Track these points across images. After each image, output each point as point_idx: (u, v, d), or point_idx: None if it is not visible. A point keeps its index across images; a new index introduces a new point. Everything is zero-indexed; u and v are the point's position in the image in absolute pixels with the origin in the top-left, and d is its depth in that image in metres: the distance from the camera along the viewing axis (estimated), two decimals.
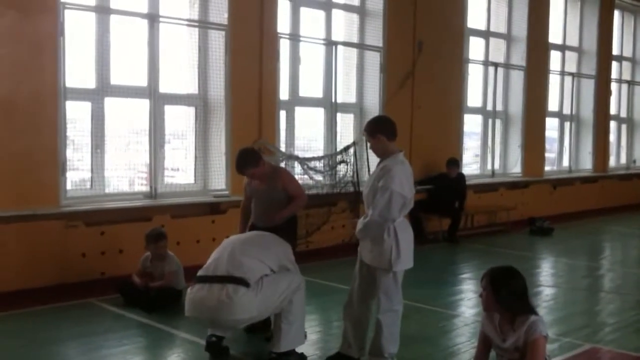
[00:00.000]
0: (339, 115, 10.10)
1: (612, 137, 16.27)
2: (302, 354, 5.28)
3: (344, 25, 10.34)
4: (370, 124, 5.10)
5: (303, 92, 9.71)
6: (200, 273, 5.08)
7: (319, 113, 10.00)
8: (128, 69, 7.95)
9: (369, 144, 5.06)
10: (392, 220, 4.79)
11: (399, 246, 4.85)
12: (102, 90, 7.64)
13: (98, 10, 7.59)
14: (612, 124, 16.09)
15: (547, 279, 8.81)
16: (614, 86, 15.90)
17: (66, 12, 7.22)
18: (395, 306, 5.00)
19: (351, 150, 9.82)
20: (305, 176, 9.37)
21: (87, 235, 7.33)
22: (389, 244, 4.84)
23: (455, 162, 11.11)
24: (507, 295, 3.86)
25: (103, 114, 7.68)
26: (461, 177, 11.28)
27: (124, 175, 8.17)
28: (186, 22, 8.46)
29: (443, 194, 10.82)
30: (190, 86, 8.56)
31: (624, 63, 16.48)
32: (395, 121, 5.13)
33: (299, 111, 9.71)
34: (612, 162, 16.16)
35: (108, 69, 7.68)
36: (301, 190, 6.06)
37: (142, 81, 8.00)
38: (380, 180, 4.80)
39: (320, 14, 9.91)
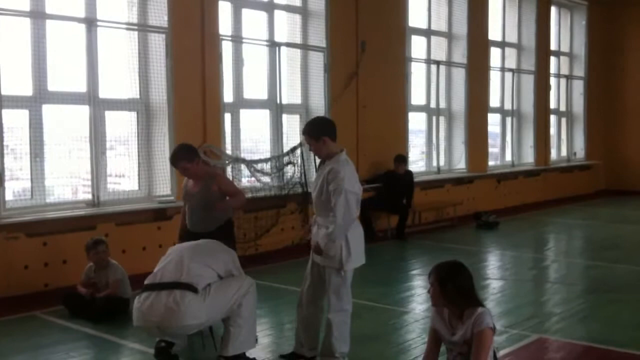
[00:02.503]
0: (284, 116, 10.07)
1: (553, 131, 16.66)
2: (253, 358, 5.23)
3: (287, 26, 10.30)
4: (314, 126, 5.02)
5: (247, 94, 9.65)
6: (147, 281, 5.01)
7: (265, 115, 9.94)
8: (66, 74, 7.77)
9: (311, 147, 5.00)
10: (353, 220, 4.85)
11: (349, 245, 4.88)
12: (40, 97, 7.44)
13: (33, 16, 7.39)
14: (552, 118, 16.49)
15: (494, 272, 8.95)
16: (553, 81, 16.28)
17: (0, 17, 7.01)
18: (345, 305, 5.02)
19: (298, 151, 9.81)
20: (253, 179, 9.32)
21: (29, 247, 7.13)
22: (338, 244, 4.85)
23: (402, 158, 11.20)
24: (454, 289, 3.90)
25: (41, 121, 7.47)
26: (409, 174, 11.36)
27: (67, 184, 8.00)
28: (125, 26, 8.30)
29: (391, 191, 10.89)
30: (131, 91, 8.40)
31: (562, 58, 16.89)
32: (336, 121, 5.15)
33: (244, 113, 9.65)
34: (553, 155, 16.55)
35: (45, 76, 7.48)
36: (239, 190, 6.04)
37: (81, 87, 7.82)
38: (330, 184, 4.81)
39: (263, 15, 9.86)
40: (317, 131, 4.95)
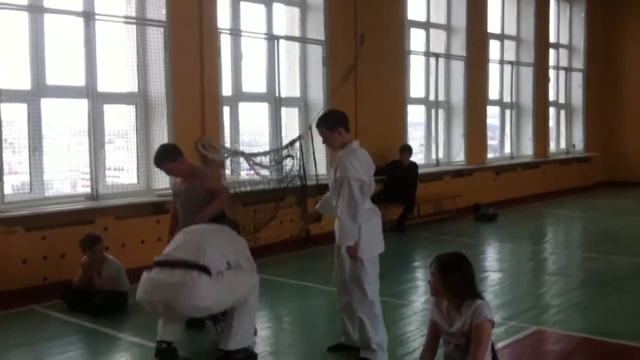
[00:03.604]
0: (283, 109, 10.06)
1: (552, 123, 16.64)
2: (252, 352, 5.24)
3: (286, 19, 10.29)
4: (330, 118, 5.10)
5: (246, 88, 9.64)
6: (159, 259, 4.94)
7: (263, 108, 9.93)
8: (64, 68, 7.74)
9: (325, 139, 5.05)
10: (358, 204, 4.84)
11: (361, 234, 4.87)
12: (38, 91, 7.42)
13: (31, 10, 7.36)
14: (551, 110, 16.47)
15: (492, 264, 8.97)
16: (551, 73, 16.26)
17: None
18: (370, 296, 4.98)
19: (297, 144, 9.81)
20: (252, 172, 9.32)
21: (28, 241, 7.13)
22: (353, 231, 4.86)
23: (408, 148, 11.25)
24: (455, 280, 3.91)
25: (40, 115, 7.45)
26: (413, 164, 11.41)
27: (66, 178, 7.99)
28: (123, 19, 8.28)
29: (397, 181, 10.89)
30: (130, 84, 8.39)
31: (561, 50, 16.86)
32: None
33: (243, 107, 9.63)
34: (552, 147, 16.56)
35: (43, 69, 7.46)
36: (221, 185, 6.01)
37: (80, 81, 7.81)
38: (337, 172, 4.89)
39: (261, 8, 9.84)
40: (332, 122, 5.03)
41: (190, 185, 5.82)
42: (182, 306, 4.75)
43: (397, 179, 10.90)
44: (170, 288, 4.68)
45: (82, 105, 7.83)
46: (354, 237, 4.84)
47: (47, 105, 7.57)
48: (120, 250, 7.31)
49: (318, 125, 5.10)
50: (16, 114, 7.44)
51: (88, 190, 7.87)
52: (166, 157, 5.81)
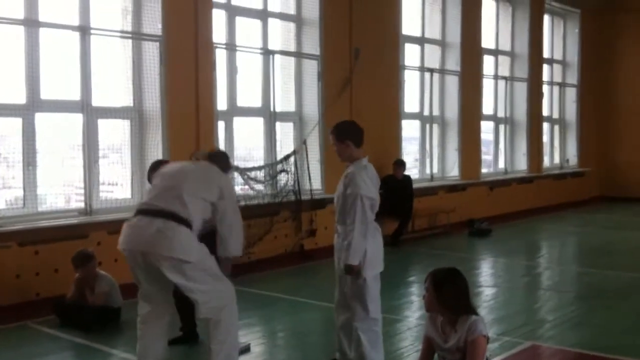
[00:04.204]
0: (278, 124, 10.08)
1: (546, 138, 16.71)
2: None
3: (281, 34, 10.33)
4: (340, 128, 5.11)
5: (241, 102, 9.65)
6: (140, 207, 4.80)
7: (258, 122, 9.95)
8: (60, 82, 7.75)
9: (335, 147, 5.06)
10: (369, 222, 4.86)
11: (365, 252, 4.85)
12: (33, 105, 7.42)
13: (26, 24, 7.38)
14: (545, 125, 16.53)
15: (487, 279, 8.97)
16: (545, 88, 16.33)
17: None
18: (372, 314, 4.94)
19: (292, 159, 9.81)
20: (246, 187, 9.31)
21: (21, 256, 7.10)
22: (360, 250, 4.83)
23: (402, 163, 11.32)
24: (449, 296, 3.90)
25: (34, 129, 7.45)
26: (407, 178, 11.44)
27: (60, 192, 7.96)
28: (119, 34, 8.30)
29: (392, 196, 10.89)
30: (125, 99, 8.39)
31: (555, 66, 16.96)
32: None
33: (238, 121, 9.64)
34: (546, 162, 16.59)
35: (38, 84, 7.46)
36: None
37: (75, 95, 7.81)
38: (347, 188, 4.87)
39: (257, 23, 9.88)
40: (342, 133, 5.04)
41: None
42: (160, 257, 4.51)
43: (392, 193, 10.90)
44: (149, 237, 4.51)
45: (76, 120, 7.83)
46: (359, 257, 4.82)
47: (42, 119, 7.57)
48: (113, 265, 7.27)
49: (330, 131, 5.14)
50: (10, 128, 7.44)
51: (82, 205, 7.85)
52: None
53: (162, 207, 4.60)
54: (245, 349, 5.76)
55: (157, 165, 5.88)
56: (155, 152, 8.34)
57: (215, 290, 4.73)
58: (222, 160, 5.28)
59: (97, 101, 7.97)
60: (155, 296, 4.82)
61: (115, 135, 8.45)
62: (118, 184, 8.54)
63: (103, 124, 8.14)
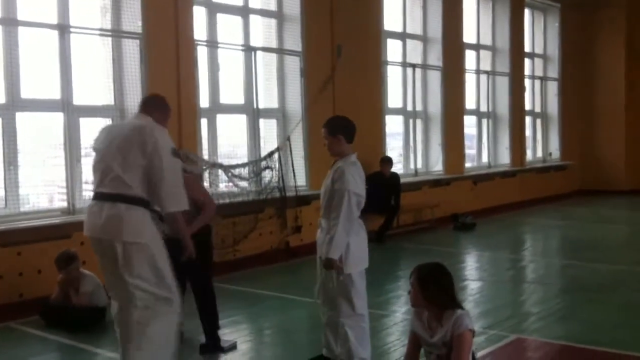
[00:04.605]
0: (261, 121, 10.04)
1: (528, 132, 16.79)
2: None
3: (262, 31, 10.28)
4: (333, 122, 5.15)
5: (224, 99, 9.60)
6: (95, 190, 4.56)
7: (241, 119, 9.91)
8: (39, 81, 7.67)
9: (326, 141, 5.05)
10: (354, 219, 4.86)
11: (349, 246, 4.85)
12: (13, 104, 7.33)
13: (4, 23, 7.29)
14: (528, 119, 16.62)
15: (472, 273, 9.00)
16: (527, 82, 16.42)
17: None
18: (359, 310, 4.93)
19: (275, 155, 9.78)
20: (230, 184, 9.27)
21: (3, 257, 7.01)
22: (342, 245, 4.82)
23: (388, 160, 11.34)
24: (434, 290, 3.92)
25: (15, 129, 7.36)
26: (395, 175, 11.47)
27: (43, 192, 7.88)
28: (99, 32, 8.23)
29: (378, 192, 10.90)
30: (106, 97, 8.32)
31: (536, 60, 17.04)
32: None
33: (221, 118, 9.60)
34: (529, 156, 16.68)
35: (18, 83, 7.38)
36: (208, 197, 5.90)
37: (55, 94, 7.73)
38: (335, 183, 4.86)
39: (238, 20, 9.83)
40: (335, 127, 5.07)
41: None
42: (114, 246, 4.27)
43: (379, 190, 10.90)
44: (101, 222, 4.33)
45: (57, 119, 7.76)
46: (340, 252, 4.80)
47: (22, 118, 7.48)
48: (97, 264, 7.20)
49: (323, 125, 5.14)
50: None
51: (65, 204, 7.78)
52: None
53: (107, 191, 4.38)
54: (232, 347, 5.74)
55: None
56: None
57: (155, 289, 4.36)
58: (157, 108, 4.77)
59: (78, 100, 7.90)
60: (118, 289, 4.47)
61: (97, 134, 8.36)
62: None
63: (84, 123, 8.06)
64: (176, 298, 4.48)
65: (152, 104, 4.80)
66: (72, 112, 7.82)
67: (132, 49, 8.27)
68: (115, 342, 5.79)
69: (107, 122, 8.32)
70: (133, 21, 8.24)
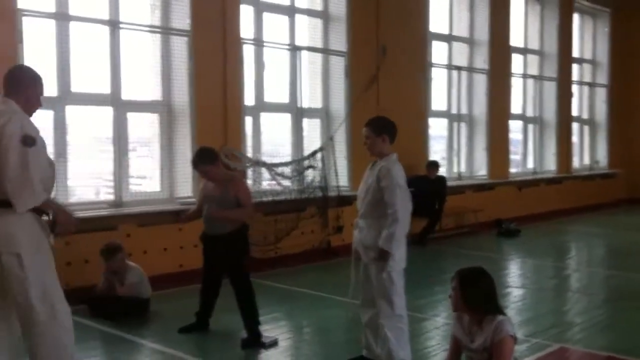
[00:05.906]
0: (305, 120, 10.08)
1: (575, 139, 16.51)
2: None
3: (308, 30, 10.32)
4: (379, 122, 5.16)
5: (268, 98, 9.66)
6: None
7: (285, 118, 9.95)
8: (90, 76, 7.81)
9: (367, 140, 5.03)
10: (410, 213, 4.88)
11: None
12: (64, 98, 7.50)
13: (57, 17, 7.46)
14: (575, 126, 16.33)
15: (515, 280, 8.88)
16: (575, 88, 16.14)
17: (25, 19, 7.09)
18: (398, 311, 4.90)
19: (318, 155, 9.80)
20: (273, 182, 9.33)
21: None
22: (401, 240, 4.83)
23: (434, 164, 11.35)
24: (476, 295, 3.87)
25: (65, 122, 7.53)
26: (441, 178, 11.44)
27: (90, 184, 8.04)
28: (148, 29, 8.36)
29: (423, 195, 10.84)
30: (154, 93, 8.46)
31: (585, 65, 16.75)
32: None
33: (265, 117, 9.66)
34: (575, 163, 16.40)
35: (69, 77, 7.54)
36: (250, 202, 5.99)
37: (105, 88, 7.88)
38: (382, 181, 4.87)
39: (284, 19, 9.88)
40: (380, 127, 5.08)
41: (224, 191, 5.82)
42: None
43: (424, 192, 10.83)
44: None
45: (106, 113, 7.92)
46: (398, 247, 4.77)
47: (72, 112, 7.64)
48: (142, 257, 7.33)
49: (367, 124, 5.11)
50: (42, 120, 7.50)
51: (112, 197, 7.93)
52: (206, 159, 5.83)
53: None
54: (273, 343, 5.77)
55: None
56: (184, 145, 8.40)
57: (41, 305, 4.08)
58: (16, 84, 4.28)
59: (126, 95, 8.04)
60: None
61: (144, 128, 8.52)
62: (147, 177, 8.61)
63: (132, 118, 8.21)
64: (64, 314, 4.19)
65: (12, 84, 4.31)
66: (120, 107, 7.97)
67: (180, 46, 8.39)
68: (158, 333, 5.92)
69: (154, 117, 8.47)
70: (182, 19, 8.36)
